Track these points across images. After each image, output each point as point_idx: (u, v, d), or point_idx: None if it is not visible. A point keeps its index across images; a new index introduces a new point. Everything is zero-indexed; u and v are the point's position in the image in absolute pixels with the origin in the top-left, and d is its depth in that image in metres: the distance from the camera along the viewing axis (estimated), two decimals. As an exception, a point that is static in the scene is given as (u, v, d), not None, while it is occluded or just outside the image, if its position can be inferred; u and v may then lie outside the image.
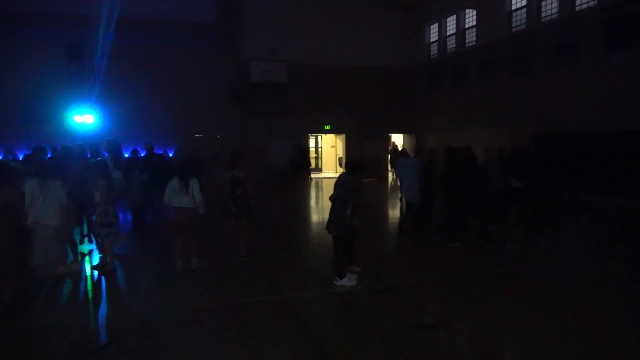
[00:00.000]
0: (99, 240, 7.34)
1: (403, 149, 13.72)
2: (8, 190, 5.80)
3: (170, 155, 16.54)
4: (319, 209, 13.88)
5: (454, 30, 19.83)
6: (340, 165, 23.10)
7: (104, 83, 18.94)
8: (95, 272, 6.93)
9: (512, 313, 5.31)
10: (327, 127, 22.12)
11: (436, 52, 21.17)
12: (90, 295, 6.20)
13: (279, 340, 4.64)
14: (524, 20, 15.98)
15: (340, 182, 6.30)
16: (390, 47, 22.31)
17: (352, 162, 6.63)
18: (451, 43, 20.16)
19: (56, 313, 5.48)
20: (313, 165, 23.13)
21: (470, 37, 18.83)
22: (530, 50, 15.38)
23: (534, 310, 5.39)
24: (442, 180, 8.62)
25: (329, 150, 24.81)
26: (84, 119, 18.01)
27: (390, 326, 4.94)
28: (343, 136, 22.69)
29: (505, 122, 16.18)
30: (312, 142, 24.21)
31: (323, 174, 23.79)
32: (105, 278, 6.69)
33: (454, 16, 19.77)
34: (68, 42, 18.53)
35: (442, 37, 20.61)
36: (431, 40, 21.56)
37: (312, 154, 23.88)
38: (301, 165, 20.70)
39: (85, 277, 6.82)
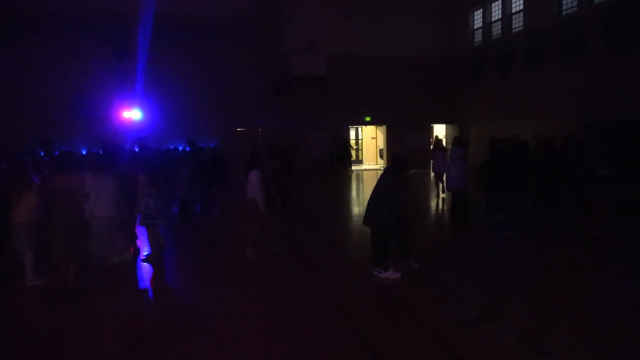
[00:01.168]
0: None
1: (439, 141, 13.37)
2: (75, 178, 6.14)
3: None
4: (360, 201, 13.80)
5: (500, 16, 19.12)
6: (381, 157, 22.87)
7: (148, 80, 19.55)
8: (145, 262, 7.18)
9: (565, 308, 5.09)
10: (368, 119, 21.91)
11: (480, 39, 20.49)
12: (140, 283, 6.43)
13: (325, 332, 4.64)
14: (574, 4, 15.18)
15: (382, 179, 6.21)
16: (431, 35, 21.78)
17: (397, 160, 6.35)
18: (496, 29, 19.45)
19: (109, 300, 5.73)
20: (353, 157, 23.00)
21: (517, 23, 18.10)
22: (581, 35, 14.60)
23: (587, 306, 5.15)
24: (487, 170, 8.39)
25: (369, 142, 24.61)
26: (131, 115, 18.66)
27: (436, 320, 4.84)
28: (384, 127, 22.42)
29: (554, 110, 15.48)
30: (352, 133, 24.07)
31: (363, 166, 23.65)
32: (154, 267, 6.92)
33: (500, 1, 19.05)
34: (114, 40, 19.19)
35: (487, 23, 19.92)
36: (475, 27, 20.88)
37: (353, 146, 23.73)
38: (341, 157, 20.63)
39: (136, 266, 7.07)
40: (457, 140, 10.28)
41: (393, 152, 17.61)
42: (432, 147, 20.29)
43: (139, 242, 7.67)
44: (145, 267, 6.96)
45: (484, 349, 4.27)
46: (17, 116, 18.43)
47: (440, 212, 11.39)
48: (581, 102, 14.47)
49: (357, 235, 8.99)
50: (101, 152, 9.34)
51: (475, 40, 20.87)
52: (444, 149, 13.17)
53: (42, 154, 17.82)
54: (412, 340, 4.46)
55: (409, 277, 6.15)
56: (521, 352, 4.27)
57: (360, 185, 17.74)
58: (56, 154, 18.29)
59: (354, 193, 16.20)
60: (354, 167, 21.73)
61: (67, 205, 5.82)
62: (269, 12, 20.36)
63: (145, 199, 6.93)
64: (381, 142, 22.96)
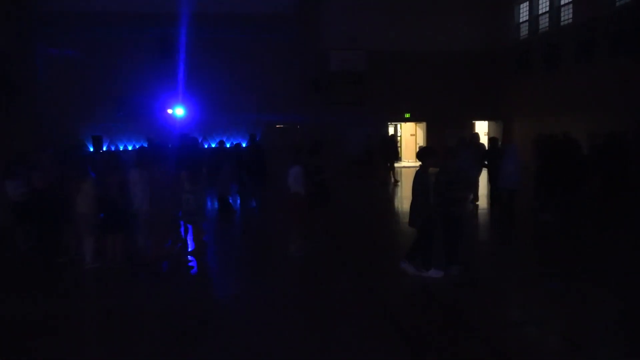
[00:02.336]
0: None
1: (462, 139, 12.36)
2: (120, 176, 6.46)
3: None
4: (399, 198, 13.65)
5: (547, 8, 18.39)
6: (420, 154, 22.50)
7: (191, 77, 20.05)
8: (189, 257, 7.33)
9: (613, 311, 4.86)
10: (407, 116, 21.60)
11: (526, 32, 19.78)
12: (183, 277, 6.59)
13: (367, 331, 4.61)
14: (630, -7, 14.38)
15: (415, 176, 6.05)
16: (474, 29, 21.18)
17: (422, 151, 6.26)
18: (543, 22, 18.72)
19: (154, 292, 5.91)
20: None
21: (566, 15, 17.34)
22: (635, 27, 13.82)
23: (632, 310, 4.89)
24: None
25: (408, 139, 24.27)
26: (175, 111, 19.19)
27: (481, 320, 4.73)
28: (423, 124, 22.05)
29: (606, 105, 14.75)
30: (391, 130, 23.80)
31: (402, 163, 23.34)
32: (199, 262, 7.07)
33: (547, -7, 18.32)
34: (159, 39, 19.77)
35: (534, 16, 19.19)
36: (521, 20, 20.17)
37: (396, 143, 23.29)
38: (387, 155, 20.40)
39: (182, 260, 7.24)
40: (493, 140, 10.10)
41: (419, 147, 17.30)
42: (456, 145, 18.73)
43: (183, 238, 7.87)
44: (189, 262, 7.12)
45: (530, 351, 4.13)
46: (68, 114, 19.29)
47: (481, 210, 11.10)
48: (635, 96, 13.71)
49: (399, 233, 8.89)
50: (145, 148, 9.64)
51: (521, 34, 20.17)
52: (477, 145, 12.31)
53: (92, 149, 18.62)
54: (456, 340, 4.37)
55: (453, 276, 6.03)
56: (566, 354, 4.11)
57: (400, 183, 17.53)
58: (104, 150, 19.06)
59: (393, 191, 16.02)
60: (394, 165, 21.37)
61: (116, 199, 6.22)
62: (309, 8, 20.40)
63: (186, 196, 7.08)
64: (421, 139, 22.59)
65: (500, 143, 11.66)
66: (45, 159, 6.67)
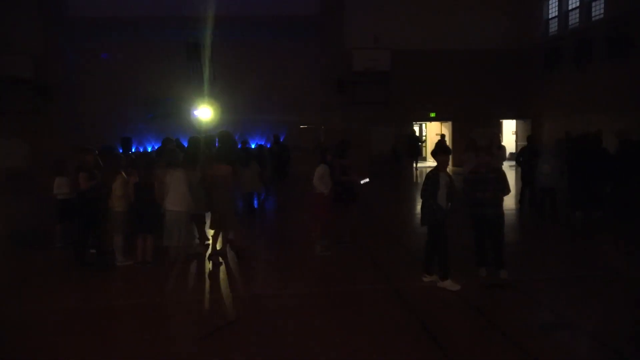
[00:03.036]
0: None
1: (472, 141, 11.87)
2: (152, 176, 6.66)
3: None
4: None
5: (577, 3, 17.92)
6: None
7: (217, 79, 20.33)
8: (218, 255, 7.39)
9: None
10: (433, 115, 21.38)
11: (555, 28, 19.31)
12: (214, 276, 6.69)
13: (395, 333, 4.58)
14: (666, -14, 13.90)
15: (427, 173, 5.86)
16: (501, 26, 20.78)
17: (437, 146, 6.31)
18: (573, 18, 18.25)
19: (185, 290, 6.03)
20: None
21: (597, 10, 16.86)
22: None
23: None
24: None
25: (434, 138, 24.00)
26: (202, 113, 19.48)
27: (513, 324, 4.65)
28: (449, 124, 21.79)
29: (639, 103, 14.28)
30: (416, 130, 23.60)
31: (427, 163, 23.10)
32: (226, 262, 7.15)
33: (578, -12, 17.84)
34: (187, 42, 20.11)
35: (563, 12, 18.72)
36: (550, 16, 19.71)
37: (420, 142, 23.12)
38: (411, 154, 20.28)
39: (210, 259, 7.34)
40: (530, 139, 9.96)
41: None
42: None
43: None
44: (219, 261, 7.21)
45: (563, 357, 4.05)
46: (99, 116, 19.84)
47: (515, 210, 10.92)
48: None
49: (423, 233, 8.81)
50: (175, 149, 9.79)
51: (550, 30, 19.70)
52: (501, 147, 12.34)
53: (121, 150, 19.06)
54: (486, 344, 4.31)
55: (483, 278, 5.95)
56: (608, 362, 4.02)
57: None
58: (133, 151, 19.49)
59: (417, 191, 15.89)
60: (418, 165, 21.26)
61: (147, 198, 6.43)
62: (332, 9, 20.41)
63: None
64: (447, 139, 22.31)
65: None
66: (90, 160, 6.86)
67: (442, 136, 20.80)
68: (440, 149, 5.95)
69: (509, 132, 22.62)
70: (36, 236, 8.68)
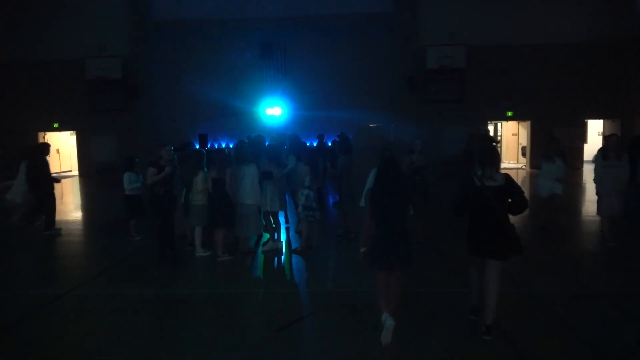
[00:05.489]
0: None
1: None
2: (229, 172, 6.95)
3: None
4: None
5: (681, -9, 16.25)
6: (523, 155, 21.14)
7: (289, 78, 20.77)
8: (296, 252, 7.51)
9: None
10: (510, 114, 20.36)
11: (653, 20, 17.65)
12: (289, 270, 6.82)
13: (474, 339, 4.40)
14: None
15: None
16: (588, 18, 19.30)
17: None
18: (675, 7, 16.58)
19: (260, 283, 6.21)
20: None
21: None
22: None
23: None
24: None
25: (510, 138, 22.91)
26: (274, 111, 19.97)
27: (601, 337, 4.32)
28: (527, 123, 20.64)
29: None
30: (491, 129, 22.64)
31: (503, 164, 22.08)
32: (300, 257, 7.27)
33: (681, -27, 16.17)
34: (260, 42, 20.73)
35: (663, 1, 17.08)
36: (646, 6, 18.04)
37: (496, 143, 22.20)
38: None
39: (284, 254, 7.51)
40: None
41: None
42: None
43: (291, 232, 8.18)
44: (296, 256, 7.34)
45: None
46: (177, 114, 20.99)
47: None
48: None
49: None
50: (248, 146, 10.11)
51: (646, 22, 18.03)
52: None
53: (198, 146, 20.03)
54: (572, 357, 4.04)
55: (570, 287, 5.58)
56: None
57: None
58: (208, 147, 20.41)
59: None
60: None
61: (223, 192, 6.74)
62: (406, 5, 20.07)
63: (305, 191, 7.31)
64: (524, 139, 21.19)
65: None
66: (165, 155, 7.18)
67: (489, 137, 19.67)
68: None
69: (595, 133, 21.03)
70: (118, 228, 9.10)
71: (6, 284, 6.32)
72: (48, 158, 9.33)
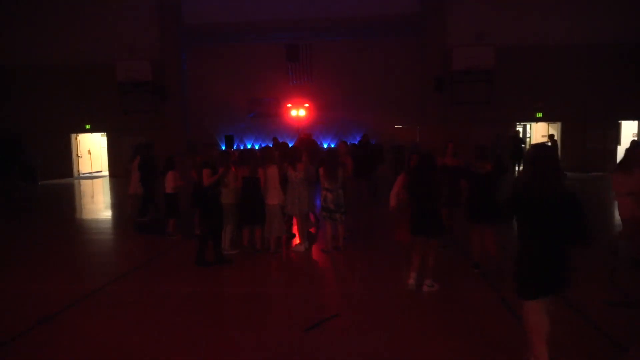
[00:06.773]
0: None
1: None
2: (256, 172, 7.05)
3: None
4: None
5: None
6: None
7: (315, 79, 20.81)
8: (323, 252, 7.53)
9: None
10: (539, 115, 19.93)
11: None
12: (313, 271, 6.85)
13: (503, 346, 4.33)
14: None
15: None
16: (621, 17, 18.73)
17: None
18: None
19: (285, 283, 6.24)
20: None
21: None
22: None
23: None
24: None
25: (539, 140, 22.40)
26: (300, 112, 20.05)
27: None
28: (557, 125, 20.15)
29: None
30: (520, 130, 22.17)
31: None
32: (328, 257, 7.28)
33: None
34: (286, 44, 20.87)
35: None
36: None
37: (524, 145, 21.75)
38: (513, 157, 19.17)
39: (312, 255, 7.52)
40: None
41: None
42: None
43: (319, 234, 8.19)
44: (321, 257, 7.37)
45: None
46: (204, 116, 21.31)
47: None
48: None
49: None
50: (271, 146, 10.20)
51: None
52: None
53: (224, 147, 20.28)
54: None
55: (608, 295, 5.41)
56: None
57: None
58: (234, 148, 20.63)
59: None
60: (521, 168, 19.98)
61: (254, 191, 6.83)
62: (433, 6, 19.88)
63: (324, 193, 7.33)
64: (555, 140, 20.68)
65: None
66: (216, 155, 7.37)
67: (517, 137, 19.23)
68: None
69: (629, 135, 20.36)
70: (156, 226, 9.31)
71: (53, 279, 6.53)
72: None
